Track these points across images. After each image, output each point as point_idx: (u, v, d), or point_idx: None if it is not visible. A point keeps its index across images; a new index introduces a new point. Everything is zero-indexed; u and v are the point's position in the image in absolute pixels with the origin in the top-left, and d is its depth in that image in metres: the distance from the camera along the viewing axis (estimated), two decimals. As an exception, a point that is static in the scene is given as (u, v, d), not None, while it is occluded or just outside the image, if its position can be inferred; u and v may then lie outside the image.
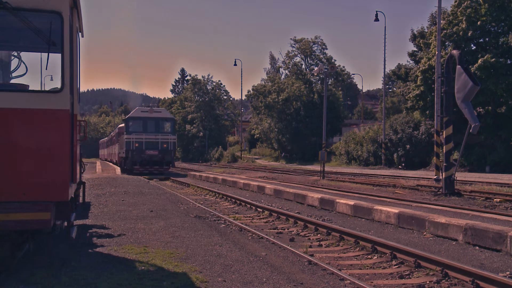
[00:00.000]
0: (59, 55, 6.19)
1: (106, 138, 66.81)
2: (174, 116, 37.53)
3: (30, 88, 6.48)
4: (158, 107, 39.96)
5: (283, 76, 70.15)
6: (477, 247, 8.60)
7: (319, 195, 15.11)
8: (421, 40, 40.13)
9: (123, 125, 41.06)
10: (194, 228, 10.07)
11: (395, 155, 40.48)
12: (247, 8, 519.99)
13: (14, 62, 7.74)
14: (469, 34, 34.51)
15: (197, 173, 32.15)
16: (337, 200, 13.85)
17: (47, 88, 6.78)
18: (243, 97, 73.06)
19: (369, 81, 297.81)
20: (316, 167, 34.53)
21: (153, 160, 32.88)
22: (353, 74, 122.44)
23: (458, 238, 9.15)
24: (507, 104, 34.08)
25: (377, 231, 10.48)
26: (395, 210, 11.33)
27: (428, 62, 35.77)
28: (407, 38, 60.96)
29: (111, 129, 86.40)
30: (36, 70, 7.00)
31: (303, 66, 67.24)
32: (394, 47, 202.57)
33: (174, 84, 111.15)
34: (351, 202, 13.14)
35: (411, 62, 45.03)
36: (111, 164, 49.58)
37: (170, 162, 33.82)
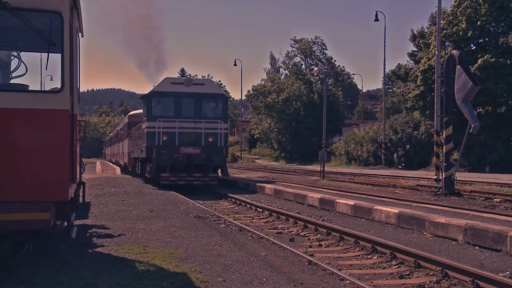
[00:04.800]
0: (59, 55, 6.19)
1: (111, 134, 53.27)
2: (224, 93, 22.86)
3: (30, 88, 6.48)
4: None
5: (283, 76, 70.21)
6: (477, 247, 8.60)
7: (319, 195, 15.11)
8: (421, 40, 40.13)
9: (136, 112, 30.75)
10: (194, 228, 10.07)
11: (395, 155, 40.49)
12: (247, 8, 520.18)
13: (14, 62, 7.73)
14: (469, 34, 34.51)
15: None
16: (337, 200, 13.85)
17: (47, 88, 6.78)
18: (243, 97, 73.10)
19: (369, 81, 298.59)
20: (316, 167, 34.53)
21: (193, 163, 20.18)
22: (353, 74, 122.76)
23: (458, 238, 9.15)
24: (507, 104, 34.09)
25: (377, 231, 10.48)
26: (395, 210, 11.33)
27: (428, 62, 35.77)
28: (407, 38, 61.06)
29: (111, 129, 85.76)
30: (36, 70, 7.00)
31: (303, 66, 67.34)
32: (394, 47, 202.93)
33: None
34: (351, 202, 13.14)
35: (411, 62, 45.07)
36: (111, 164, 48.66)
37: (220, 166, 20.77)
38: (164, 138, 20.21)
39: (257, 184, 20.58)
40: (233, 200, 17.07)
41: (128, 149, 28.70)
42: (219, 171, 21.29)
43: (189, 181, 20.60)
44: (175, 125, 20.35)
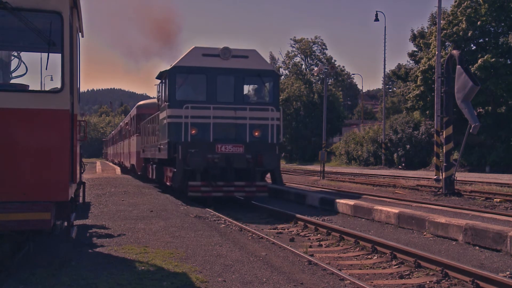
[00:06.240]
0: (59, 55, 6.20)
1: (113, 132, 47.36)
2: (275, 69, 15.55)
3: (30, 88, 6.48)
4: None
5: (283, 76, 70.26)
6: (477, 247, 8.60)
7: (319, 195, 15.10)
8: (421, 40, 40.18)
9: (147, 101, 25.37)
10: (194, 228, 10.07)
11: (395, 155, 40.52)
12: (247, 8, 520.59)
13: (14, 62, 7.74)
14: (469, 34, 34.55)
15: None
16: (337, 200, 13.84)
17: (47, 88, 6.78)
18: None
19: (369, 81, 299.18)
20: (316, 167, 34.52)
21: (234, 167, 14.56)
22: (353, 74, 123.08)
23: (458, 238, 9.15)
24: (507, 104, 34.15)
25: (377, 231, 10.47)
26: (395, 210, 11.33)
27: (428, 62, 35.80)
28: (407, 38, 61.15)
29: (111, 129, 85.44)
30: (36, 70, 7.00)
31: (303, 66, 67.35)
32: (394, 47, 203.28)
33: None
34: (351, 202, 13.13)
35: (411, 62, 45.17)
36: (111, 164, 48.23)
37: (271, 170, 15.04)
38: (193, 131, 14.66)
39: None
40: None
41: (137, 147, 23.49)
42: (266, 176, 15.70)
43: (229, 193, 14.69)
44: (209, 113, 14.69)
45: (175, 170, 14.66)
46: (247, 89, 16.09)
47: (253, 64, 15.34)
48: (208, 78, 14.99)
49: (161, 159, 16.60)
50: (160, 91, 16.79)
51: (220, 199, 15.11)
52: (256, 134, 15.06)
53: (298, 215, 12.13)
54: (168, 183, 16.04)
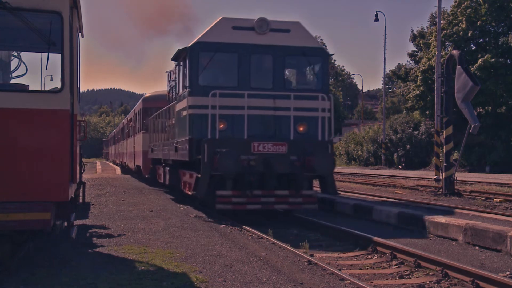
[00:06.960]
0: (59, 55, 6.21)
1: (114, 130, 43.95)
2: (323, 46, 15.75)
3: (30, 88, 6.49)
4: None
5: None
6: (477, 247, 8.60)
7: (319, 195, 15.08)
8: (421, 40, 40.17)
9: (155, 93, 22.18)
10: (194, 228, 10.07)
11: (395, 155, 40.51)
12: (246, 8, 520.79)
13: (14, 62, 7.75)
14: (469, 34, 34.55)
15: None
16: (337, 200, 13.84)
17: (47, 88, 6.80)
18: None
19: (369, 81, 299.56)
20: (316, 167, 34.40)
21: (274, 171, 11.26)
22: (353, 74, 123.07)
23: (458, 238, 9.15)
24: (507, 104, 34.15)
25: (377, 231, 10.47)
26: (395, 210, 11.32)
27: (428, 62, 35.80)
28: (407, 38, 61.19)
29: (111, 129, 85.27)
30: (36, 70, 7.02)
31: (303, 66, 67.27)
32: (394, 47, 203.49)
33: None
34: (351, 202, 13.13)
35: (411, 62, 45.11)
36: (111, 164, 48.17)
37: (324, 176, 11.79)
38: (222, 126, 11.56)
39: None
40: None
41: (143, 146, 20.59)
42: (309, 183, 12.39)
43: (268, 205, 11.47)
44: (242, 102, 11.57)
45: (198, 175, 11.37)
46: (289, 71, 13.17)
47: (297, 40, 12.16)
48: (240, 58, 11.96)
49: (176, 161, 13.71)
50: (177, 77, 13.56)
51: (262, 213, 12.28)
52: (302, 129, 11.98)
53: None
54: (188, 192, 12.62)
